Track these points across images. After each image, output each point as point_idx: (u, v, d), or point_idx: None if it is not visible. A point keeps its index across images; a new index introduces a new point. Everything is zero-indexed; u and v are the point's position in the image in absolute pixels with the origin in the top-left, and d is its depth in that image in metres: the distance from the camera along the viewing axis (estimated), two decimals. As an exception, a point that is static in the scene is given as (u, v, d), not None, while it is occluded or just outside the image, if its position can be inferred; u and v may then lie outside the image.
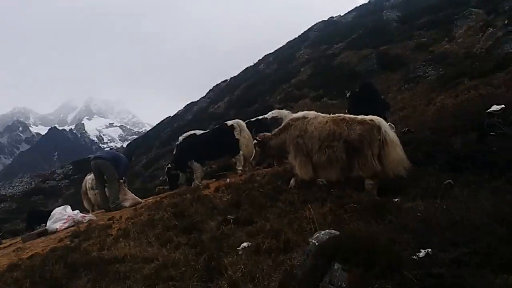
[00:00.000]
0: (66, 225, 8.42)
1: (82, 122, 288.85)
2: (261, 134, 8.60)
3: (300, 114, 7.79)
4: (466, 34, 22.46)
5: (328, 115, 7.34)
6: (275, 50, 49.93)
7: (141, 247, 5.27)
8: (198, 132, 10.95)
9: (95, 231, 6.64)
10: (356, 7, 46.66)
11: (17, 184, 44.29)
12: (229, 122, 10.67)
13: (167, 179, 11.15)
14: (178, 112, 57.95)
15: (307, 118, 7.48)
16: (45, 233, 8.32)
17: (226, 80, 54.98)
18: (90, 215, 9.20)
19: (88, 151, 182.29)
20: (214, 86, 55.00)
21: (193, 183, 10.42)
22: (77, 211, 9.18)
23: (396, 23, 30.64)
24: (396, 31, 29.22)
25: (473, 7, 25.16)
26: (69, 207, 9.28)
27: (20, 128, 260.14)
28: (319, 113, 7.66)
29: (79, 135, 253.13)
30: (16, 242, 8.64)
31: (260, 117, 12.73)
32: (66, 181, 44.01)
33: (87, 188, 13.16)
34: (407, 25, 29.34)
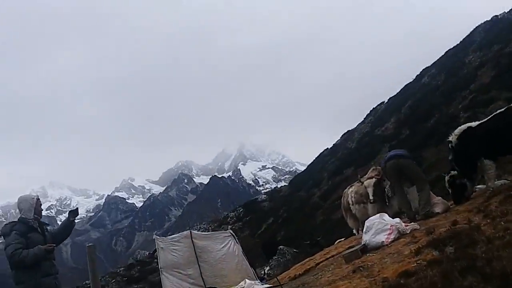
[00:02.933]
0: (392, 236, 7.31)
1: (238, 168, 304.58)
2: None
3: None
4: None
5: None
6: (434, 62, 47.03)
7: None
8: (474, 123, 8.93)
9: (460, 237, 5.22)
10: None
11: (195, 231, 47.24)
12: None
13: (450, 191, 9.13)
14: (336, 142, 57.52)
15: None
16: (365, 249, 7.25)
17: (383, 101, 53.25)
18: (413, 223, 8.15)
19: (247, 194, 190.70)
20: (371, 110, 53.66)
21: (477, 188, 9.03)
22: (398, 219, 8.41)
23: None
24: None
25: None
26: (386, 214, 8.58)
27: (185, 180, 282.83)
28: None
29: (237, 181, 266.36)
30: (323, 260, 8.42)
31: None
32: (240, 223, 45.86)
33: (350, 203, 11.80)
34: None
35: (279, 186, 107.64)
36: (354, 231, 12.20)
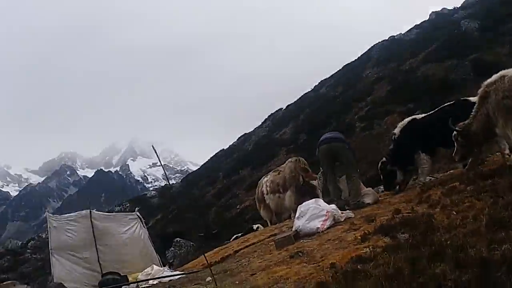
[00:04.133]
0: (328, 223, 6.65)
1: (126, 163, 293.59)
2: (460, 123, 7.00)
3: (494, 76, 6.54)
4: None
5: None
6: (332, 74, 48.77)
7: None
8: (419, 116, 8.86)
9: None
10: (416, 25, 45.02)
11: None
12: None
13: (382, 178, 8.93)
14: (232, 144, 57.35)
15: (508, 75, 6.25)
16: (298, 235, 6.55)
17: (282, 108, 54.16)
18: (348, 211, 7.29)
19: (134, 191, 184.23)
20: (269, 115, 54.27)
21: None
22: (333, 205, 7.44)
23: (477, 31, 28.71)
24: (480, 40, 27.29)
25: None
26: (321, 200, 7.60)
27: (68, 172, 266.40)
28: None
29: (124, 176, 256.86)
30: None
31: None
32: (125, 218, 43.42)
33: (265, 192, 11.13)
34: (490, 32, 27.36)
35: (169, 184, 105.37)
36: (268, 222, 11.56)
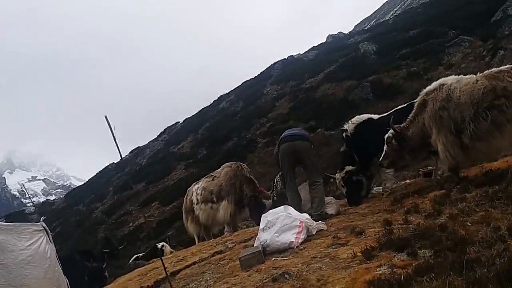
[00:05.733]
0: (302, 236, 5.36)
1: (3, 176, 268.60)
2: (397, 125, 6.46)
3: (433, 84, 6.31)
4: (466, 59, 21.88)
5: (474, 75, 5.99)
6: (232, 90, 48.37)
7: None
8: (375, 116, 7.87)
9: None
10: (314, 46, 46.55)
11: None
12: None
13: (346, 189, 7.62)
14: (125, 157, 54.41)
15: (446, 84, 6.05)
16: (264, 251, 5.21)
17: (178, 122, 52.64)
18: (320, 222, 5.89)
19: (9, 207, 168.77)
20: (165, 128, 52.48)
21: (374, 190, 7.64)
22: (306, 214, 5.90)
23: (374, 55, 29.95)
24: (377, 63, 28.47)
25: (456, 36, 24.95)
26: (290, 207, 5.96)
27: None
28: (460, 76, 6.21)
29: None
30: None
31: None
32: None
33: (194, 202, 9.43)
34: (387, 57, 28.65)
35: (51, 199, 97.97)
36: (195, 238, 9.89)
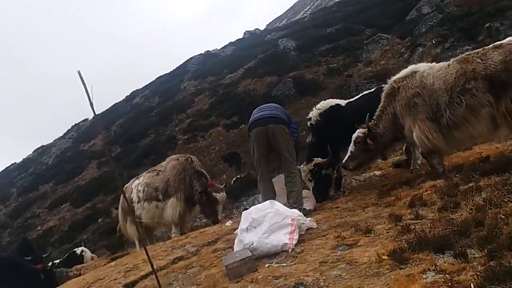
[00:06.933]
0: (296, 237, 4.49)
1: None
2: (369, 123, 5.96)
3: (403, 72, 5.88)
4: (385, 56, 22.45)
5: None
6: (146, 85, 46.42)
7: None
8: (343, 102, 7.10)
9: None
10: (231, 42, 46.03)
11: None
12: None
13: (314, 185, 6.74)
14: (28, 156, 50.42)
15: (418, 71, 5.67)
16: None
17: (87, 119, 49.70)
18: (310, 219, 5.01)
19: None
20: (73, 126, 49.32)
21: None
22: (297, 210, 4.96)
23: (294, 51, 29.95)
24: (297, 59, 28.47)
25: (374, 34, 25.60)
26: (276, 202, 4.89)
27: None
28: (433, 63, 5.88)
29: None
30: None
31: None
32: None
33: (136, 200, 8.18)
34: (307, 53, 28.75)
35: None
36: (136, 242, 8.73)
